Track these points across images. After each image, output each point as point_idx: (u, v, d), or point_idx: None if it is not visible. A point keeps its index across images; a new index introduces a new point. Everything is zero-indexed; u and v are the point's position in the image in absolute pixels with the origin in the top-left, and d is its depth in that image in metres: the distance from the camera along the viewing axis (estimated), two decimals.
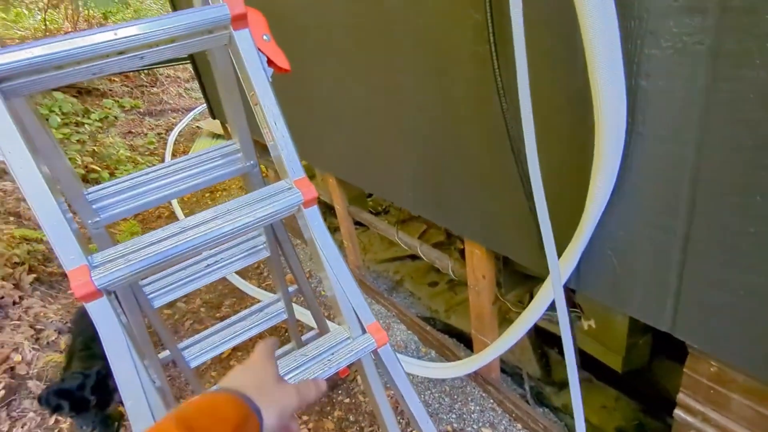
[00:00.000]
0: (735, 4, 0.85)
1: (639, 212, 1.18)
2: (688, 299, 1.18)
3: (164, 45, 0.96)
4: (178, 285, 1.65)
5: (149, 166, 2.61)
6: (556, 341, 2.78)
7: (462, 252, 3.29)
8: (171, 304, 3.67)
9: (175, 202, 5.01)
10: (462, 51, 1.47)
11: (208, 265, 1.70)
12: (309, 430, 2.45)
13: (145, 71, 8.39)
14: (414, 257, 3.91)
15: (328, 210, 4.77)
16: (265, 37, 1.07)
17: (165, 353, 1.96)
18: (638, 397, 2.44)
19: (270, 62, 1.09)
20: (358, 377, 2.72)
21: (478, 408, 2.30)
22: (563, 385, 2.58)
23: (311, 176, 4.41)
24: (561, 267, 1.39)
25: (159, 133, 7.06)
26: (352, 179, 2.64)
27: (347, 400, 2.58)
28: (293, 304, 2.32)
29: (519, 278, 2.00)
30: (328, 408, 2.56)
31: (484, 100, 1.47)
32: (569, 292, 1.76)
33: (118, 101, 7.29)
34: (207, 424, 0.58)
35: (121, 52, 0.95)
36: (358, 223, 4.18)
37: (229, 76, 1.31)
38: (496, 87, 1.34)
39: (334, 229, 4.57)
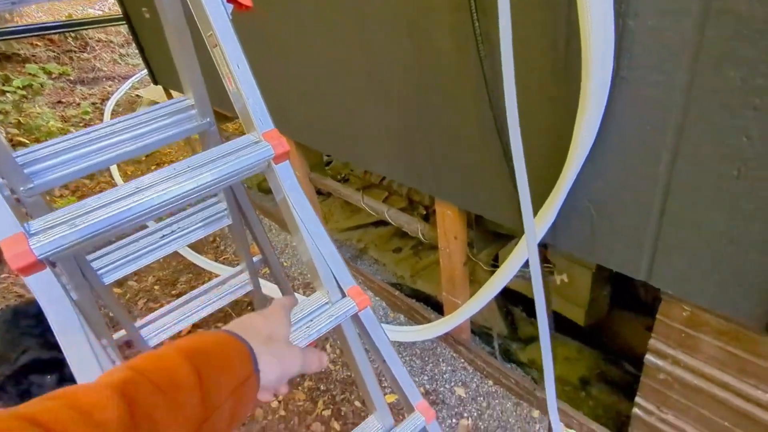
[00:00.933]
0: None
1: (621, 161, 1.17)
2: (665, 247, 1.19)
3: None
4: (131, 258, 1.50)
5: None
6: (521, 300, 2.85)
7: (425, 217, 3.26)
8: (121, 283, 3.45)
9: (116, 173, 4.66)
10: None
11: (164, 235, 1.56)
12: (279, 402, 2.39)
13: (73, 35, 7.66)
14: (377, 224, 3.86)
15: None
16: None
17: (120, 333, 1.81)
18: (599, 347, 2.55)
19: None
20: (328, 347, 2.67)
21: (449, 368, 2.32)
22: (529, 340, 2.66)
23: None
24: (538, 222, 1.37)
25: (93, 103, 6.50)
26: (314, 144, 2.51)
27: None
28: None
29: (490, 237, 1.99)
30: (299, 379, 2.51)
31: (460, 49, 1.39)
32: (542, 248, 1.76)
33: (43, 67, 6.62)
34: (213, 368, 0.53)
35: None
36: (318, 192, 4.06)
37: (179, 19, 1.15)
38: (473, 34, 1.27)
39: None
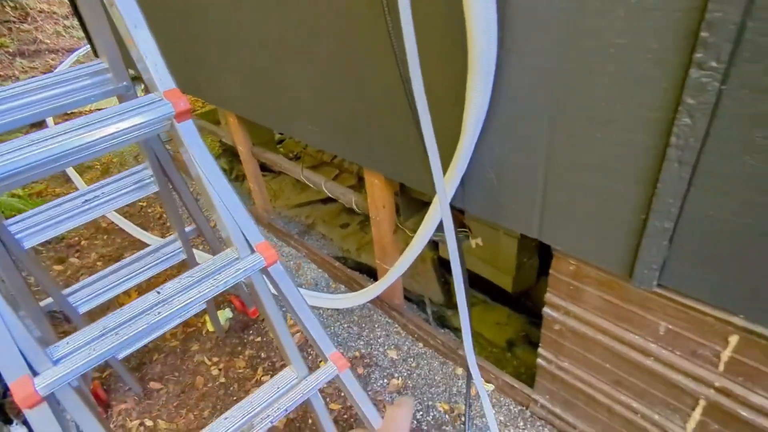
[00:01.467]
0: None
1: (511, 126, 1.27)
2: (551, 206, 1.31)
3: None
4: (52, 223, 1.51)
5: None
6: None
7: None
8: (62, 260, 3.39)
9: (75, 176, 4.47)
10: None
11: (87, 200, 1.57)
12: (220, 370, 2.45)
13: (12, 4, 7.24)
14: (326, 201, 3.91)
15: (234, 157, 4.58)
16: None
17: (47, 301, 1.82)
18: (526, 312, 2.72)
19: None
20: None
21: (384, 333, 2.43)
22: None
23: (216, 122, 4.17)
24: (446, 186, 1.47)
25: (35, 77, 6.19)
26: (253, 115, 2.53)
27: (258, 339, 2.60)
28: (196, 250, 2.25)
29: (416, 205, 2.09)
30: (239, 348, 2.57)
31: (373, 22, 1.45)
32: (458, 213, 1.87)
33: None
34: None
35: None
36: (269, 170, 4.07)
37: None
38: (381, 7, 1.33)
39: (242, 177, 4.41)
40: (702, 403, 1.29)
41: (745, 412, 1.20)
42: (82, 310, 1.81)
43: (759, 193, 0.92)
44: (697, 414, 1.32)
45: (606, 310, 1.39)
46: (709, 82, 0.87)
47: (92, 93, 1.35)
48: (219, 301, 2.80)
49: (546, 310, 1.57)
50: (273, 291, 1.29)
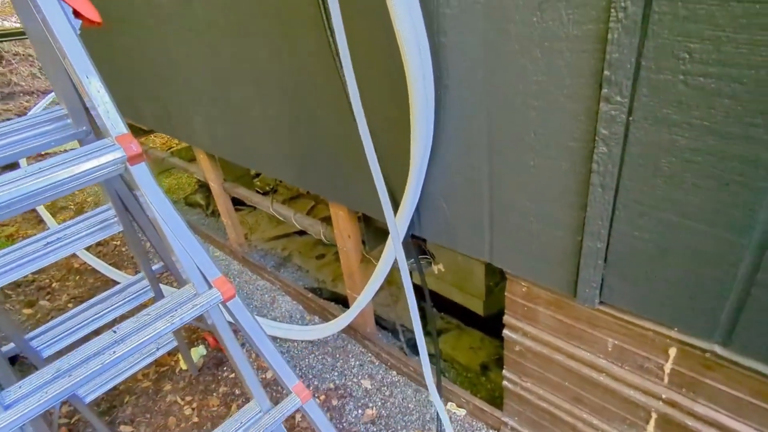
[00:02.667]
0: None
1: (455, 157, 1.34)
2: (498, 231, 1.38)
3: None
4: (12, 267, 1.52)
5: None
6: (431, 296, 3.02)
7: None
8: (32, 303, 3.33)
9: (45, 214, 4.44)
10: (304, 16, 1.51)
11: (49, 243, 1.59)
12: (193, 409, 2.42)
13: None
14: (302, 233, 3.95)
15: (210, 192, 4.61)
16: None
17: (9, 346, 1.80)
18: (499, 336, 2.75)
19: (77, 14, 1.04)
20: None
21: (357, 363, 2.43)
22: (438, 333, 2.83)
23: (191, 159, 4.22)
24: (401, 216, 1.53)
25: (8, 119, 6.19)
26: (220, 152, 2.58)
27: (232, 375, 2.57)
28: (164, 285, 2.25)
29: (381, 235, 2.14)
30: (213, 386, 2.54)
31: (325, 65, 1.54)
32: (419, 240, 1.93)
33: None
34: None
35: None
36: (243, 204, 4.10)
37: (41, 34, 1.22)
38: (330, 51, 1.42)
39: (218, 212, 4.43)
40: (654, 415, 1.34)
41: (691, 422, 1.24)
42: (46, 353, 1.79)
43: (671, 213, 0.99)
44: (651, 427, 1.36)
45: (558, 329, 1.44)
46: (617, 115, 0.96)
47: (53, 138, 1.40)
48: (192, 339, 2.78)
49: (505, 331, 1.61)
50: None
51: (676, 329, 1.15)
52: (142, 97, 2.76)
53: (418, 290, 2.86)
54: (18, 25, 8.59)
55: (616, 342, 1.31)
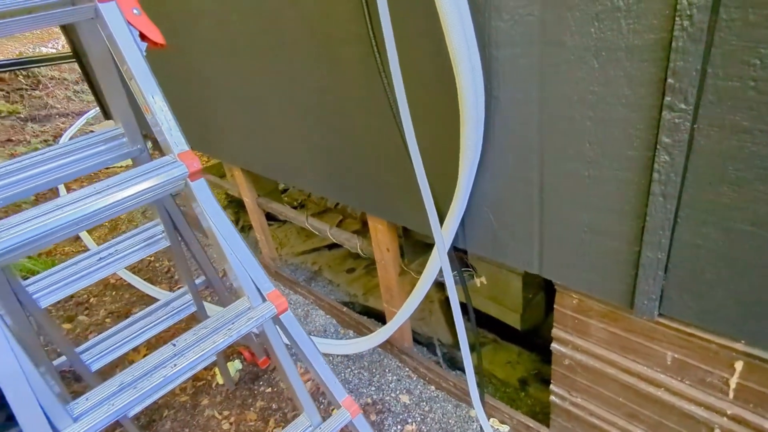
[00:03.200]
0: None
1: (504, 168, 1.34)
2: (549, 242, 1.36)
3: (20, 15, 0.93)
4: (69, 281, 1.57)
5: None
6: (465, 310, 3.00)
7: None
8: (71, 318, 3.41)
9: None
10: (347, 33, 1.55)
11: (101, 258, 1.64)
12: (231, 423, 2.42)
13: (24, 73, 7.61)
14: (331, 247, 3.97)
15: (240, 208, 4.68)
16: (135, 11, 1.07)
17: (61, 359, 1.84)
18: (537, 349, 2.70)
19: (143, 36, 1.09)
20: None
21: (395, 377, 2.41)
22: (473, 348, 2.79)
23: (221, 175, 4.31)
24: (446, 228, 1.53)
25: (45, 140, 6.44)
26: (256, 168, 2.63)
27: (269, 390, 2.58)
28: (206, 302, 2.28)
29: (420, 247, 2.14)
30: (250, 400, 2.55)
31: (369, 79, 1.56)
32: (461, 253, 1.92)
33: None
34: None
35: None
36: (274, 219, 4.16)
37: (103, 55, 1.28)
38: (376, 65, 1.44)
39: (248, 227, 4.49)
40: (717, 431, 1.29)
41: None
42: (95, 367, 1.83)
43: (738, 221, 0.97)
44: None
45: (612, 342, 1.41)
46: (681, 123, 0.94)
47: (110, 156, 1.44)
48: (228, 353, 2.80)
49: (554, 345, 1.58)
50: (284, 339, 1.32)
51: (743, 342, 1.11)
52: (180, 118, 2.83)
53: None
54: (53, 50, 8.97)
55: (676, 355, 1.27)
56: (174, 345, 1.17)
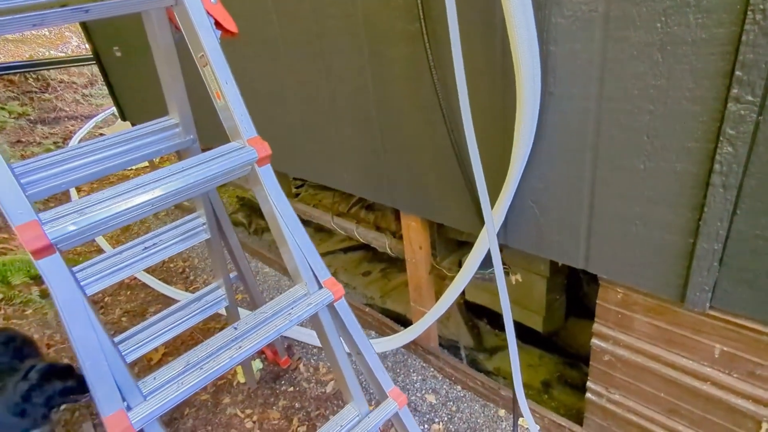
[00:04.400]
0: None
1: (554, 163, 1.37)
2: (597, 236, 1.39)
3: None
4: (115, 270, 1.57)
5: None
6: (485, 313, 3.01)
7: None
8: None
9: None
10: (394, 30, 1.58)
11: (146, 248, 1.64)
12: (254, 422, 2.41)
13: (34, 76, 7.65)
14: (346, 250, 3.98)
15: (252, 211, 4.69)
16: (212, 0, 1.10)
17: None
18: (558, 352, 2.71)
19: (217, 25, 1.12)
20: (301, 366, 2.72)
21: (420, 377, 2.42)
22: (493, 351, 2.80)
23: None
24: (496, 224, 1.55)
25: (56, 142, 6.46)
26: (287, 169, 2.65)
27: (291, 389, 2.57)
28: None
29: (452, 245, 2.16)
30: (272, 399, 2.54)
31: (416, 76, 1.60)
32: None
33: (2, 107, 6.57)
34: None
35: (63, 4, 0.93)
36: None
37: (168, 47, 1.31)
38: (427, 62, 1.48)
39: (261, 231, 4.50)
40: (765, 425, 1.30)
41: None
42: (130, 358, 1.83)
43: None
44: None
45: (657, 337, 1.43)
46: (747, 114, 0.98)
47: (163, 146, 1.47)
48: None
49: (594, 341, 1.60)
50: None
51: None
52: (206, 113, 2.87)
53: (471, 309, 2.85)
54: (63, 54, 9.02)
55: (724, 348, 1.29)
56: (235, 328, 1.18)
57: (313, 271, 1.27)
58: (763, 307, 1.15)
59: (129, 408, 0.98)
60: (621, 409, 1.65)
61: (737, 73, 0.96)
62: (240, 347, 1.12)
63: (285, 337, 2.86)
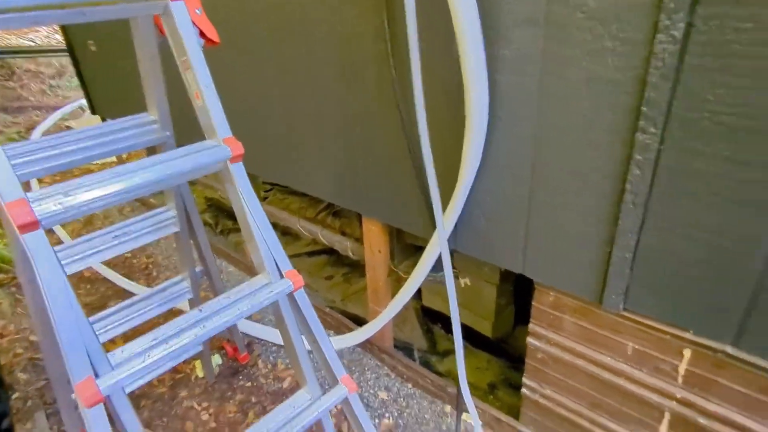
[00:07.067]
0: (556, 18, 1.24)
1: (498, 179, 1.55)
2: (533, 245, 1.56)
3: (106, 5, 1.07)
4: (85, 255, 1.64)
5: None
6: (439, 318, 3.17)
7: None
8: None
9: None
10: (367, 50, 1.74)
11: (116, 236, 1.71)
12: (210, 414, 2.47)
13: None
14: (311, 254, 4.08)
15: (219, 211, 4.73)
16: (197, 11, 1.22)
17: None
18: (506, 357, 2.89)
19: (201, 34, 1.24)
20: (260, 362, 2.80)
21: (374, 375, 2.54)
22: (445, 354, 2.95)
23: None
24: (446, 229, 1.71)
25: (19, 132, 6.29)
26: (259, 172, 2.75)
27: (249, 384, 2.64)
28: None
29: (410, 250, 2.30)
30: (229, 393, 2.60)
31: (382, 94, 1.75)
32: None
33: None
34: None
35: (62, 6, 1.04)
36: None
37: (152, 50, 1.41)
38: (391, 82, 1.63)
39: (228, 231, 4.55)
40: (667, 415, 1.49)
41: (703, 420, 1.41)
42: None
43: (695, 229, 1.20)
44: (664, 427, 1.52)
45: (581, 336, 1.61)
46: (651, 143, 1.17)
47: (141, 140, 1.56)
48: (211, 347, 2.85)
49: (530, 339, 1.77)
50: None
51: (691, 331, 1.33)
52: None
53: (427, 313, 3.00)
54: (31, 43, 8.79)
55: (636, 346, 1.48)
56: (200, 311, 1.28)
57: (276, 262, 1.38)
58: (664, 309, 1.35)
59: (98, 376, 1.07)
60: (552, 403, 1.82)
61: (643, 108, 1.15)
62: (204, 326, 1.22)
63: (246, 334, 2.93)
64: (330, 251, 3.93)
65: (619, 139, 1.24)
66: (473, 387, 2.73)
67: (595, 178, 1.32)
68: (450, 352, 3.02)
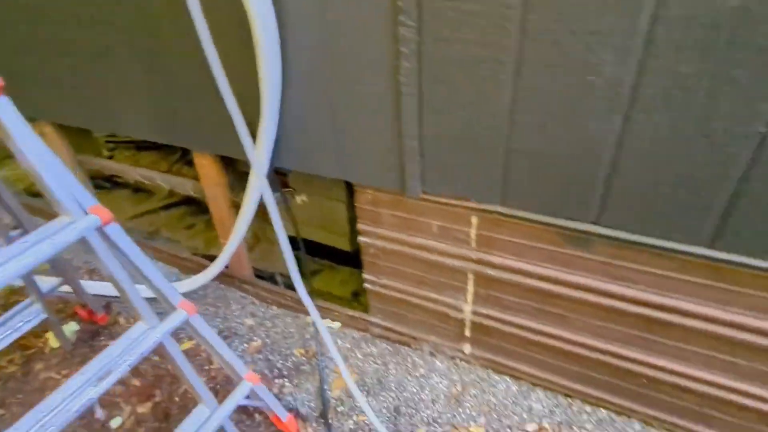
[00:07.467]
0: None
1: (300, 88, 1.62)
2: (345, 149, 1.69)
3: None
4: None
5: None
6: (299, 243, 3.30)
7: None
8: None
9: None
10: None
11: None
12: (63, 376, 2.38)
13: None
14: (167, 207, 3.89)
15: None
16: None
17: None
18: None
19: None
20: (121, 319, 2.71)
21: (239, 306, 2.62)
22: (313, 274, 3.12)
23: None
24: (260, 149, 1.76)
25: None
26: (74, 121, 2.49)
27: (110, 343, 2.56)
28: None
29: (246, 178, 2.33)
30: (91, 355, 2.50)
31: (183, 18, 1.67)
32: (281, 176, 2.18)
33: None
34: None
35: None
36: (101, 187, 3.89)
37: None
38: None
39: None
40: (471, 276, 1.80)
41: (492, 271, 1.72)
42: None
43: (460, 110, 1.40)
44: (470, 286, 1.83)
45: (398, 225, 1.82)
46: (411, 36, 1.32)
47: None
48: (63, 316, 2.68)
49: (360, 238, 1.96)
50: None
51: (472, 200, 1.59)
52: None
53: (293, 241, 3.10)
54: None
55: (438, 223, 1.73)
56: None
57: (77, 200, 1.33)
58: (451, 185, 1.58)
59: None
60: (389, 290, 2.07)
61: (398, 3, 1.28)
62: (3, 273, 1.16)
63: (101, 295, 2.78)
64: (188, 201, 3.79)
65: (389, 34, 1.36)
66: (338, 298, 2.96)
67: (377, 78, 1.46)
68: (316, 272, 3.19)
